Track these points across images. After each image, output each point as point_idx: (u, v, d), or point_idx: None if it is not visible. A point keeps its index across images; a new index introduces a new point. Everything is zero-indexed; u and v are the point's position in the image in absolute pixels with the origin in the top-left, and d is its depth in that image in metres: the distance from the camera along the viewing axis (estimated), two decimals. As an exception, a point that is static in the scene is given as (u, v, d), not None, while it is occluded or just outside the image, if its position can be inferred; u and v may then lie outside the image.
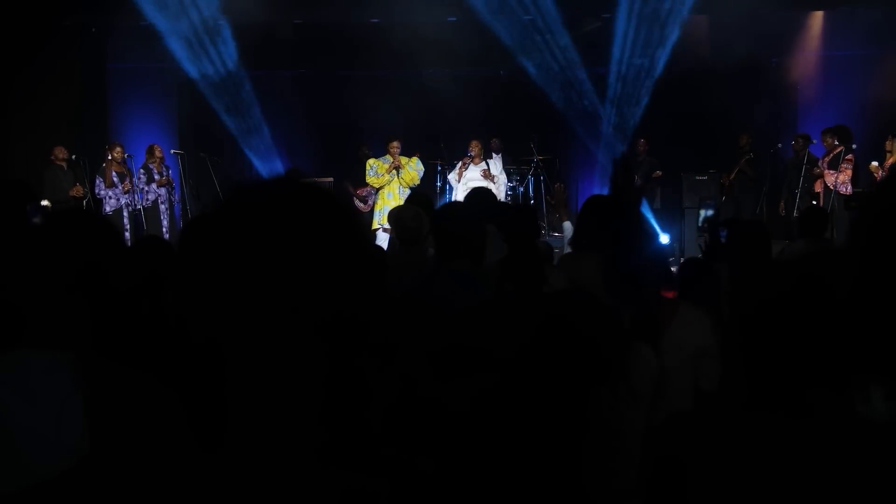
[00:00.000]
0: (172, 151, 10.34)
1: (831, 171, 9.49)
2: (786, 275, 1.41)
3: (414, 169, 9.32)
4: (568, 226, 5.39)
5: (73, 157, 9.32)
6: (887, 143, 9.13)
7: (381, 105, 11.40)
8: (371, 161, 9.34)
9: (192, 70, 10.90)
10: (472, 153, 9.50)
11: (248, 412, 0.89)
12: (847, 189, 9.37)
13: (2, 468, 1.09)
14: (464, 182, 9.14)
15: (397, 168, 9.16)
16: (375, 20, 11.12)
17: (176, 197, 10.10)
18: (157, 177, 9.78)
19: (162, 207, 9.82)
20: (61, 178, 9.19)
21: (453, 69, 11.70)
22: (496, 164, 9.69)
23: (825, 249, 4.11)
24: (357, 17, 10.99)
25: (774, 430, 1.33)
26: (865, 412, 1.53)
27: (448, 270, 2.98)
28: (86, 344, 1.25)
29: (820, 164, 9.68)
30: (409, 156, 9.45)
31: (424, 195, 6.38)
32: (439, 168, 11.26)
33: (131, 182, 9.57)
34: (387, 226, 9.05)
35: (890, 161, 8.99)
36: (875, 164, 9.11)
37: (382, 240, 8.25)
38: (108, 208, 9.42)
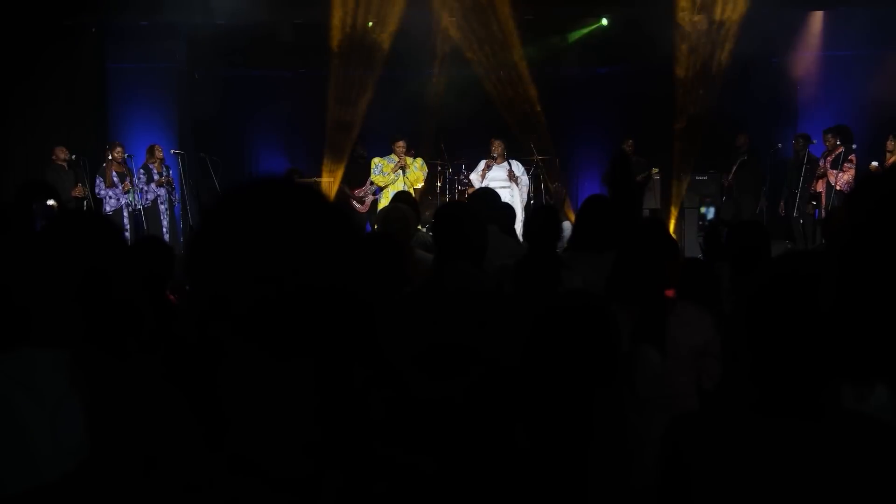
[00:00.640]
0: (172, 151, 10.34)
1: (834, 171, 9.48)
2: (792, 275, 1.41)
3: (419, 169, 9.33)
4: (567, 226, 5.39)
5: (74, 157, 9.32)
6: (888, 142, 9.13)
7: (381, 105, 11.41)
8: (376, 160, 9.34)
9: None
10: (496, 154, 9.45)
11: (240, 410, 0.89)
12: (849, 189, 9.36)
13: (11, 464, 1.09)
14: (487, 182, 9.09)
15: (403, 168, 9.16)
16: (375, 20, 11.11)
17: (176, 197, 10.09)
18: (156, 177, 9.78)
19: (162, 208, 9.81)
20: (62, 178, 9.19)
21: (453, 69, 11.69)
22: (519, 166, 9.66)
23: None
24: (357, 17, 10.99)
25: (781, 433, 1.33)
26: (869, 407, 1.53)
27: (449, 270, 2.98)
28: (88, 343, 1.26)
29: (821, 163, 9.67)
30: (415, 157, 9.47)
31: (408, 194, 6.38)
32: (439, 168, 11.25)
33: (131, 182, 9.56)
34: None
35: (890, 161, 8.98)
36: (875, 164, 9.10)
37: None
38: (108, 208, 9.42)
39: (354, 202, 10.53)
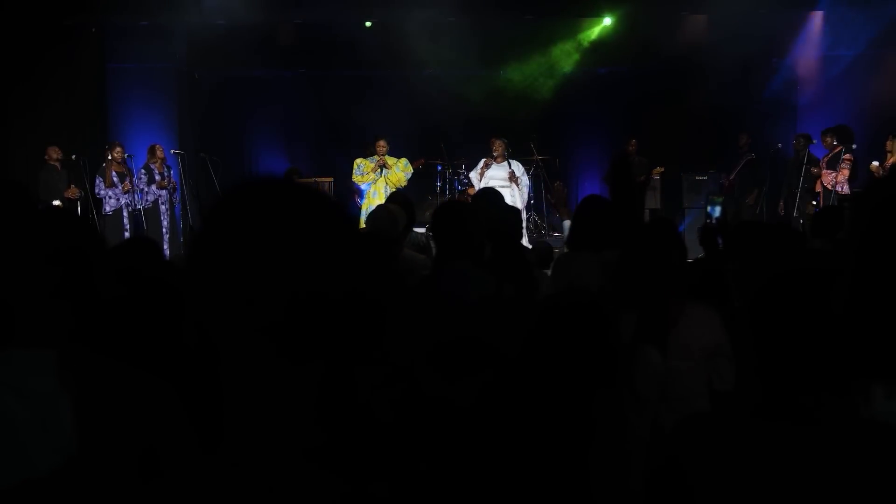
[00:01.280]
0: (172, 151, 10.33)
1: (829, 171, 9.50)
2: (795, 274, 1.40)
3: (401, 170, 9.31)
4: (567, 225, 5.40)
5: (73, 157, 9.29)
6: (888, 142, 9.13)
7: (381, 105, 11.40)
8: (358, 160, 9.36)
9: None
10: (496, 153, 9.44)
11: (241, 413, 0.89)
12: (843, 188, 9.37)
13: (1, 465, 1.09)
14: (486, 181, 9.08)
15: (382, 167, 9.17)
16: (375, 20, 11.11)
17: (177, 197, 10.07)
18: (157, 177, 9.76)
19: (162, 208, 9.80)
20: (55, 178, 9.17)
21: (453, 69, 11.69)
22: (519, 166, 9.65)
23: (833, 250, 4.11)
24: (357, 17, 10.99)
25: (779, 436, 1.32)
26: (867, 412, 1.52)
27: (448, 270, 2.98)
28: (75, 341, 1.25)
29: (820, 164, 9.69)
30: (398, 157, 9.45)
31: (402, 194, 6.37)
32: (439, 168, 11.25)
33: (131, 182, 9.55)
34: None
35: (890, 161, 8.98)
36: (876, 163, 9.10)
37: None
38: (108, 208, 9.41)
39: (358, 199, 10.54)
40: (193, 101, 11.61)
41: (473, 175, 9.66)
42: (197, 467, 0.89)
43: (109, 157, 9.43)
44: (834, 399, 1.33)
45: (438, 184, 11.25)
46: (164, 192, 9.80)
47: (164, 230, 9.71)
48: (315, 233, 0.89)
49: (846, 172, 9.39)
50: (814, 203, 9.58)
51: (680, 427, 1.46)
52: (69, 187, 9.20)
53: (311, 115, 12.26)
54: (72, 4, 10.21)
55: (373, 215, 4.34)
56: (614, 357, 1.81)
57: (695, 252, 5.66)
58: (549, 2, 11.20)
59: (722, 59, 10.85)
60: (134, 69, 11.26)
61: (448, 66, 11.56)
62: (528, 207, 9.66)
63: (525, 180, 9.66)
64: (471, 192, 10.16)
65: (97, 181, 9.39)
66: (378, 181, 9.21)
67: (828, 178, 9.46)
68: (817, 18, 11.44)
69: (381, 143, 9.27)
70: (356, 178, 9.34)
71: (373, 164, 9.22)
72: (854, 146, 9.51)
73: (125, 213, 9.48)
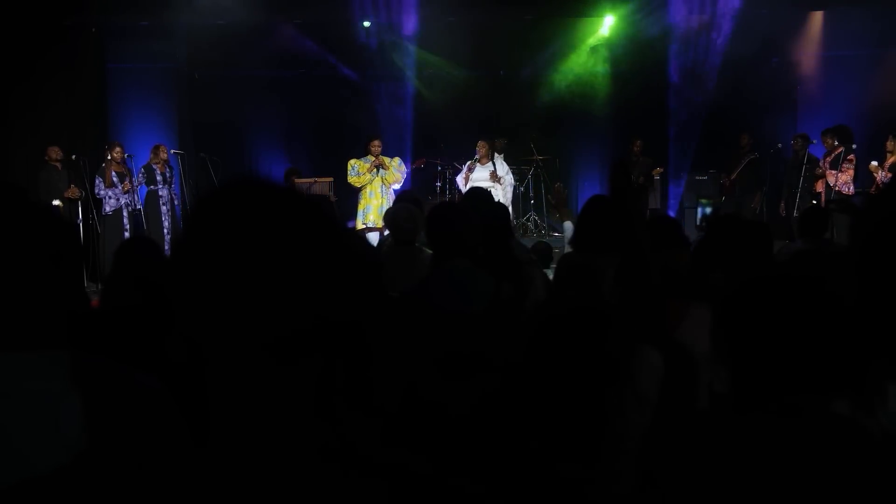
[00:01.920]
0: (172, 151, 10.32)
1: (833, 172, 9.49)
2: (769, 278, 1.42)
3: (397, 170, 9.32)
4: (568, 226, 5.40)
5: (73, 157, 9.28)
6: (888, 143, 9.13)
7: (380, 105, 11.41)
8: (352, 161, 9.33)
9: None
10: (479, 154, 9.47)
11: (231, 413, 0.89)
12: (849, 189, 9.37)
13: (6, 462, 1.09)
14: (471, 183, 9.11)
15: (378, 167, 9.17)
16: (374, 20, 11.12)
17: (176, 192, 10.01)
18: (158, 177, 9.75)
19: (163, 208, 9.78)
20: (56, 178, 9.16)
21: (453, 69, 11.70)
22: (502, 165, 9.66)
23: (818, 250, 4.10)
24: (356, 17, 11.00)
25: (758, 431, 1.33)
26: (883, 412, 1.53)
27: (446, 270, 2.98)
28: (73, 343, 1.25)
29: (821, 164, 9.68)
30: (391, 156, 9.45)
31: (413, 194, 6.37)
32: (439, 168, 11.26)
33: (131, 182, 9.54)
34: (371, 224, 9.06)
35: (890, 161, 8.98)
36: (874, 163, 9.10)
37: (371, 239, 8.24)
38: (107, 208, 9.40)
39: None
40: (193, 101, 11.61)
41: (459, 179, 9.68)
42: (195, 468, 0.89)
43: (109, 158, 9.42)
44: (810, 398, 1.34)
45: (438, 184, 11.25)
46: (165, 193, 9.79)
47: (164, 230, 9.70)
48: (301, 242, 0.88)
49: (850, 173, 9.38)
50: (814, 202, 9.58)
51: (670, 426, 1.48)
52: (69, 187, 9.18)
53: (311, 115, 12.26)
54: (71, 4, 10.21)
55: (395, 216, 4.32)
56: (617, 360, 1.81)
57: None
58: (549, 2, 11.21)
59: (722, 58, 10.86)
60: (134, 69, 11.26)
61: (448, 67, 11.57)
62: (514, 206, 9.65)
63: (509, 179, 9.69)
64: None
65: (97, 181, 9.38)
66: (375, 181, 9.20)
67: (832, 178, 9.46)
68: (817, 18, 11.44)
69: (376, 142, 9.26)
70: (352, 179, 9.32)
71: (367, 165, 9.20)
72: (854, 146, 9.51)
73: (125, 213, 9.47)
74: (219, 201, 0.92)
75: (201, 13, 10.50)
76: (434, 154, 11.09)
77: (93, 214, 9.33)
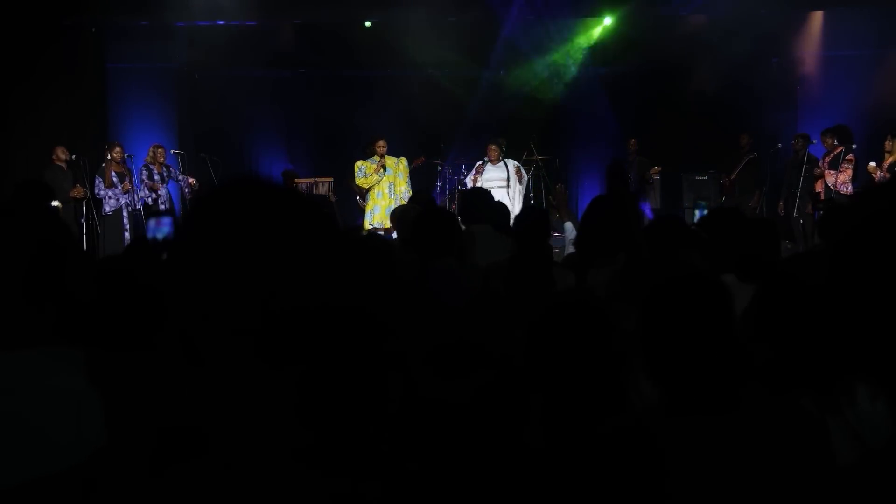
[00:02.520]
0: (172, 151, 10.32)
1: (832, 172, 9.49)
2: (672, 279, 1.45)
3: (403, 171, 9.37)
4: (569, 226, 5.38)
5: (73, 157, 9.28)
6: (886, 143, 9.12)
7: (381, 105, 11.41)
8: (359, 163, 9.35)
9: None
10: (491, 157, 9.51)
11: (229, 418, 0.89)
12: (847, 189, 9.37)
13: (20, 464, 1.09)
14: (482, 183, 9.09)
15: (384, 167, 9.17)
16: (375, 20, 11.11)
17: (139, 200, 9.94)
18: (156, 177, 9.74)
19: (162, 208, 9.78)
20: (61, 178, 9.15)
21: (453, 69, 11.70)
22: (516, 163, 9.71)
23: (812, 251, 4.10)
24: (356, 17, 10.99)
25: (688, 430, 1.35)
26: (851, 414, 1.53)
27: (435, 269, 2.99)
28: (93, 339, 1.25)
29: (821, 164, 9.68)
30: (397, 157, 9.47)
31: (427, 194, 6.39)
32: (439, 168, 11.25)
33: (131, 182, 9.54)
34: (378, 225, 9.06)
35: (888, 161, 8.98)
36: (873, 164, 9.10)
37: None
38: (107, 208, 9.40)
39: (361, 200, 10.54)
40: (193, 101, 11.60)
41: (468, 181, 9.69)
42: (187, 470, 0.89)
43: (109, 158, 9.41)
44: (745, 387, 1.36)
45: (438, 184, 11.25)
46: (164, 192, 9.79)
47: (164, 230, 9.68)
48: (293, 237, 0.88)
49: (849, 173, 9.38)
50: (819, 205, 9.57)
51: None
52: (74, 187, 9.19)
53: (311, 116, 12.26)
54: (71, 4, 10.21)
55: (403, 216, 4.35)
56: (619, 360, 1.81)
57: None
58: (549, 2, 11.20)
59: (722, 59, 10.85)
60: (134, 69, 11.26)
61: (448, 67, 11.57)
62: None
63: (524, 175, 9.77)
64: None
65: (97, 181, 9.37)
66: (382, 181, 9.21)
67: (830, 178, 9.46)
68: (817, 18, 11.44)
69: (381, 143, 9.25)
70: (359, 181, 9.33)
71: (374, 166, 9.21)
72: (854, 146, 9.50)
73: (125, 214, 9.46)
74: (214, 198, 0.92)
75: (201, 13, 10.50)
76: (434, 154, 11.08)
77: (93, 214, 9.33)
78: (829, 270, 0.90)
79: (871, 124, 10.02)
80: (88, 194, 9.25)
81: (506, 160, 9.56)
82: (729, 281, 3.11)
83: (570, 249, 4.95)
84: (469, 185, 9.57)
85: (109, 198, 9.42)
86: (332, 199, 10.84)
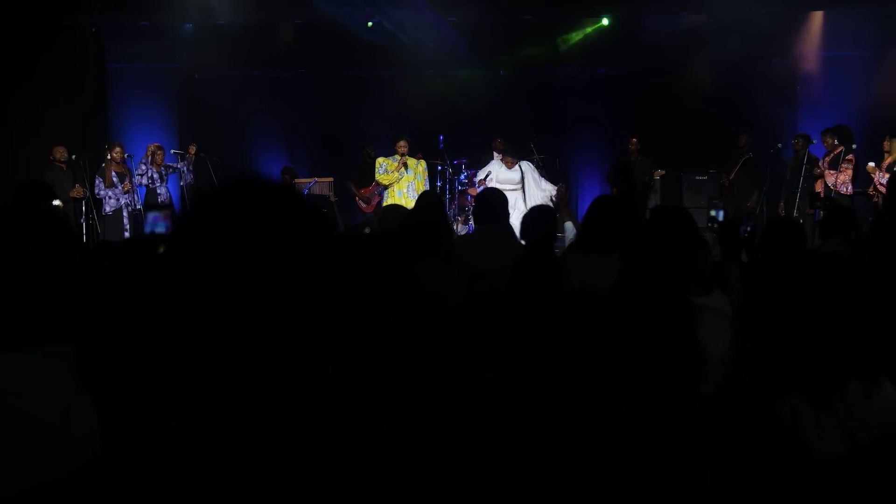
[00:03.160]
0: (172, 151, 10.32)
1: (831, 172, 9.48)
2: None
3: (421, 173, 9.48)
4: (569, 226, 5.37)
5: (73, 157, 9.28)
6: (885, 143, 9.12)
7: (381, 105, 11.40)
8: (380, 160, 9.49)
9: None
10: (504, 161, 9.60)
11: (223, 415, 0.89)
12: (847, 189, 9.37)
13: (11, 469, 1.08)
14: (498, 185, 9.13)
15: (405, 165, 9.27)
16: (376, 20, 11.11)
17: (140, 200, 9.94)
18: (154, 175, 9.73)
19: (162, 203, 9.77)
20: (61, 178, 9.15)
21: (453, 69, 11.69)
22: (530, 166, 9.75)
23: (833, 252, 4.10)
24: (357, 17, 10.99)
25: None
26: (843, 410, 1.53)
27: (422, 270, 2.99)
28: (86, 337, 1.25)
29: (820, 164, 9.67)
30: (413, 156, 9.54)
31: (435, 194, 6.39)
32: (439, 168, 11.25)
33: (131, 182, 9.54)
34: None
35: (888, 161, 8.98)
36: (872, 164, 9.10)
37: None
38: (107, 208, 9.40)
39: (360, 201, 10.54)
40: (193, 101, 11.60)
41: (477, 182, 9.78)
42: (180, 469, 0.89)
43: (109, 157, 9.41)
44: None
45: (438, 184, 11.25)
46: (164, 192, 9.79)
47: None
48: (291, 233, 0.89)
49: (849, 173, 9.38)
50: (817, 203, 9.57)
51: None
52: (74, 187, 9.18)
53: (311, 115, 12.26)
54: (71, 4, 10.20)
55: (385, 216, 4.41)
56: (620, 360, 1.80)
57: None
58: (548, 2, 11.20)
59: (722, 58, 10.84)
60: (134, 69, 11.26)
61: (448, 67, 11.56)
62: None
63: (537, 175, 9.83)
64: (471, 192, 10.19)
65: (97, 181, 9.37)
66: (402, 180, 9.29)
67: (830, 178, 9.45)
68: (817, 18, 11.44)
69: (402, 143, 9.39)
70: (379, 177, 9.48)
71: (395, 164, 9.31)
72: (854, 146, 9.50)
73: (125, 213, 9.46)
74: (213, 195, 0.93)
75: (201, 13, 10.49)
76: (434, 154, 11.07)
77: (93, 214, 9.32)
78: (868, 271, 0.91)
79: (871, 124, 10.01)
80: (88, 194, 9.24)
81: (520, 162, 9.62)
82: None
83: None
84: (478, 185, 9.64)
85: (109, 198, 9.42)
86: (332, 199, 10.84)
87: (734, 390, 1.47)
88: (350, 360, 0.93)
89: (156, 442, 1.09)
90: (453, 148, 11.15)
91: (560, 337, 1.83)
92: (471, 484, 1.62)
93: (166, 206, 9.13)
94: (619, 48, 11.61)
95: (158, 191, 9.72)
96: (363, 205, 10.54)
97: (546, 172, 11.36)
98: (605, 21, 11.64)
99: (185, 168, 10.07)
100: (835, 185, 9.41)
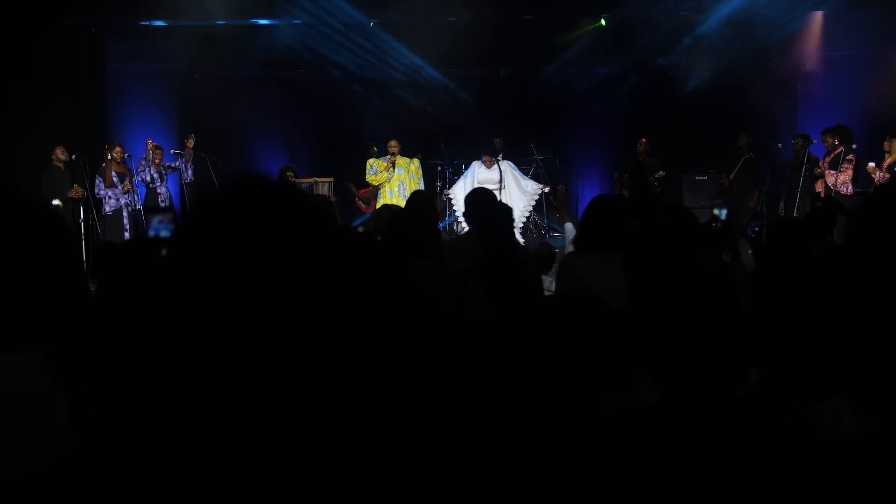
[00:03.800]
0: (172, 151, 10.32)
1: (832, 172, 9.49)
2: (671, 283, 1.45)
3: (415, 172, 9.43)
4: (569, 227, 5.36)
5: (73, 157, 9.28)
6: (885, 143, 9.12)
7: (380, 105, 11.41)
8: (371, 161, 9.43)
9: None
10: (487, 164, 9.62)
11: (224, 416, 0.89)
12: (848, 189, 9.37)
13: None
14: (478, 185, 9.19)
15: (393, 164, 9.23)
16: (377, 20, 11.11)
17: (140, 199, 9.93)
18: (154, 174, 9.73)
19: (162, 207, 9.76)
20: (59, 178, 9.16)
21: (453, 69, 11.70)
22: (509, 163, 9.76)
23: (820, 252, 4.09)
24: (358, 17, 10.99)
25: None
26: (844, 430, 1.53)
27: (415, 270, 2.99)
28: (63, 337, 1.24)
29: (821, 164, 9.67)
30: (411, 157, 9.51)
31: (425, 193, 6.39)
32: (439, 168, 11.26)
33: (131, 182, 9.54)
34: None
35: (888, 161, 8.98)
36: (872, 164, 9.10)
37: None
38: (107, 208, 9.40)
39: (360, 202, 10.54)
40: (193, 101, 11.60)
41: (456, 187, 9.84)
42: (182, 469, 0.89)
43: (109, 157, 9.41)
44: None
45: (438, 184, 11.26)
46: (164, 191, 9.79)
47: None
48: (293, 232, 0.89)
49: (849, 173, 9.38)
50: (818, 203, 9.57)
51: None
52: (72, 187, 9.18)
53: (311, 115, 12.27)
54: (71, 4, 10.21)
55: (379, 217, 4.40)
56: (618, 360, 1.81)
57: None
58: (548, 2, 11.20)
59: (722, 58, 10.84)
60: (134, 69, 11.26)
61: (448, 66, 11.57)
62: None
63: (527, 185, 9.82)
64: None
65: (97, 181, 9.37)
66: (392, 179, 9.28)
67: (830, 178, 9.45)
68: (817, 18, 11.44)
69: (393, 143, 9.35)
70: (370, 178, 9.43)
71: (385, 164, 9.29)
72: (854, 146, 9.50)
73: (125, 213, 9.46)
74: (215, 195, 0.93)
75: (201, 13, 10.49)
76: (434, 154, 11.08)
77: (93, 214, 9.32)
78: (848, 271, 0.90)
79: (871, 124, 10.02)
80: (87, 194, 9.24)
81: (499, 161, 9.61)
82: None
83: (571, 249, 4.94)
84: (459, 191, 9.68)
85: (109, 198, 9.41)
86: (332, 199, 10.85)
87: (766, 391, 1.46)
88: (349, 359, 0.93)
89: (154, 442, 1.09)
90: (453, 148, 11.16)
91: (561, 342, 1.83)
92: (470, 484, 1.61)
93: (168, 210, 9.13)
94: (618, 48, 11.61)
95: (159, 190, 9.72)
96: (363, 205, 10.55)
97: (546, 172, 11.38)
98: (602, 22, 11.64)
99: (184, 164, 10.05)
100: (835, 185, 9.41)
